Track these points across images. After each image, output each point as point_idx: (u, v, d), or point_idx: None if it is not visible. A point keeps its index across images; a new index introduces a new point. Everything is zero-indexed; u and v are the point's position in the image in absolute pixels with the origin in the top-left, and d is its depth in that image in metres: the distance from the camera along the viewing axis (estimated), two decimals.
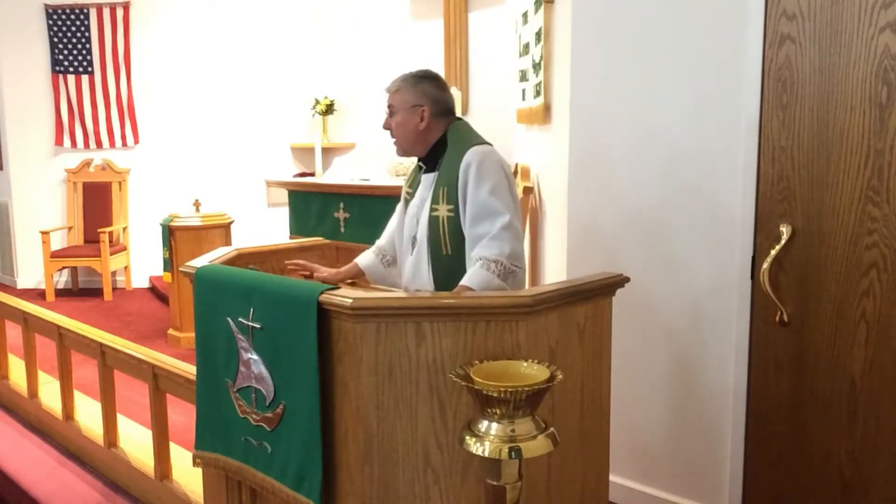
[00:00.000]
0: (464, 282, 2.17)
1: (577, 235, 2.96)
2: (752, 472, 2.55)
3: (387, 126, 2.41)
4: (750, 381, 2.52)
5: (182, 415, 3.10)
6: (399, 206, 2.60)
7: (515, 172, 3.94)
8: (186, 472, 2.80)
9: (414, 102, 2.33)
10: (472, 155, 2.25)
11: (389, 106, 2.38)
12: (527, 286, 2.41)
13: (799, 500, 2.42)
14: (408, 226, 2.47)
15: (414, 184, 2.49)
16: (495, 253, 2.17)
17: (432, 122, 2.35)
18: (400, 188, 2.60)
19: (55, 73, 7.12)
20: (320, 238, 3.03)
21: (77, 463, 3.40)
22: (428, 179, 2.39)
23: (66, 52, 7.10)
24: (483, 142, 2.34)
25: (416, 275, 2.39)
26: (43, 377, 3.95)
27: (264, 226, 7.07)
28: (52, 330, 3.52)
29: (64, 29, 7.08)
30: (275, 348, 1.88)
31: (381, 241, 2.69)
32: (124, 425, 3.33)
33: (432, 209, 2.32)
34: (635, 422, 2.83)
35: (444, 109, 2.37)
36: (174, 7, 7.13)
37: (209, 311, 2.08)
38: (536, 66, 3.59)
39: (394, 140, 2.42)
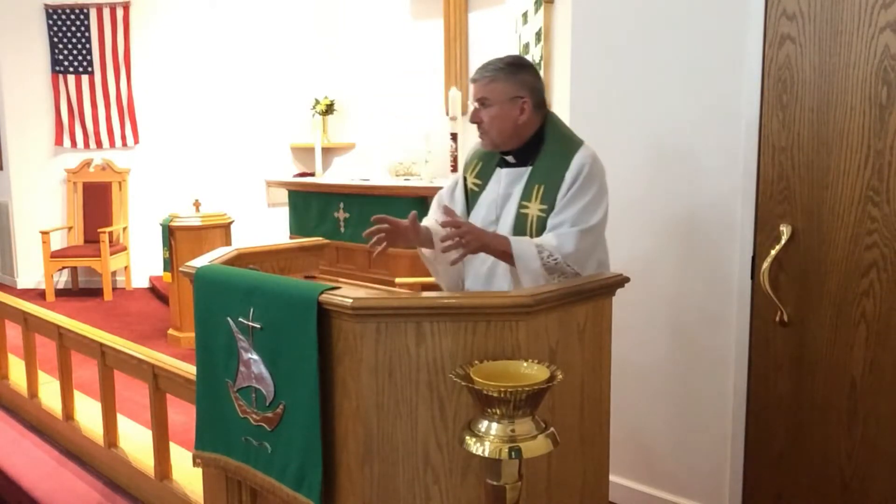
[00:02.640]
0: (511, 240, 2.05)
1: None
2: (752, 472, 2.55)
3: (477, 119, 2.17)
4: (750, 381, 2.52)
5: (182, 415, 3.10)
6: (448, 194, 2.40)
7: None
8: (186, 472, 2.80)
9: (514, 94, 2.12)
10: (583, 157, 2.09)
11: (481, 98, 2.14)
12: None
13: (799, 500, 2.42)
14: (482, 222, 2.23)
15: (483, 174, 2.29)
16: (554, 245, 2.02)
17: (532, 114, 2.15)
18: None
19: (55, 73, 7.12)
20: (320, 238, 3.02)
21: (77, 463, 3.40)
22: (515, 174, 2.19)
23: (66, 52, 7.10)
24: (583, 141, 2.19)
25: (491, 275, 2.21)
26: (43, 377, 3.95)
27: (264, 226, 7.07)
28: (52, 330, 3.52)
29: (64, 29, 7.08)
30: (275, 348, 1.88)
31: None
32: (124, 425, 3.33)
33: (521, 206, 2.14)
34: (635, 422, 2.83)
35: (541, 101, 2.18)
36: (174, 7, 7.13)
37: (209, 311, 2.08)
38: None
39: (482, 132, 2.19)
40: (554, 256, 2.01)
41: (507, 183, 2.21)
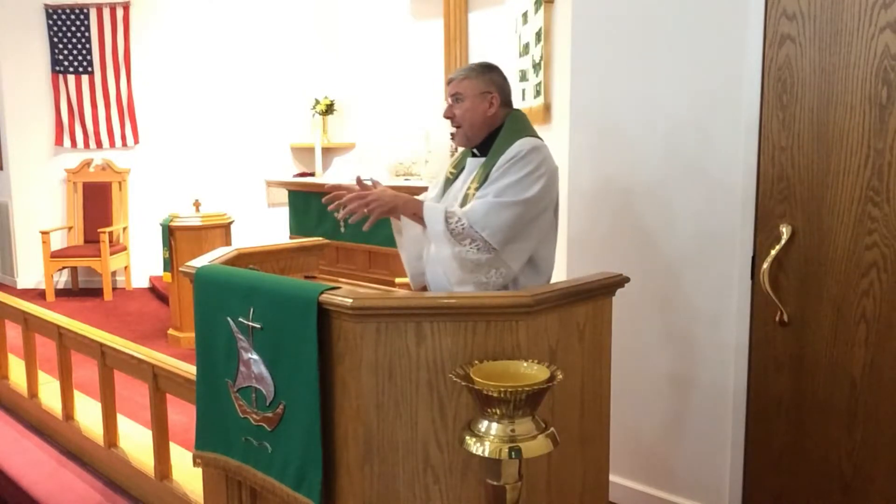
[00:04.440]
0: (425, 204, 2.23)
1: (577, 235, 2.96)
2: (752, 472, 2.55)
3: (450, 114, 2.39)
4: (750, 381, 2.52)
5: (182, 415, 3.11)
6: (438, 183, 2.57)
7: None
8: (186, 472, 2.80)
9: (484, 89, 2.34)
10: (522, 143, 2.24)
11: (455, 94, 2.36)
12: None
13: (799, 500, 2.42)
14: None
15: (459, 165, 2.48)
16: (464, 211, 2.17)
17: (499, 110, 2.36)
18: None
19: (55, 73, 7.12)
20: (320, 238, 3.02)
21: (77, 463, 3.40)
22: (475, 163, 2.39)
23: (66, 52, 7.10)
24: (536, 135, 2.34)
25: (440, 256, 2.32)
26: (43, 377, 3.95)
27: (264, 226, 7.07)
28: (52, 330, 3.52)
29: (64, 29, 7.09)
30: (275, 348, 1.88)
31: None
32: (124, 425, 3.33)
33: (468, 188, 2.31)
34: (635, 422, 2.83)
35: (507, 99, 2.40)
36: (174, 7, 7.13)
37: (209, 311, 2.08)
38: (536, 66, 3.59)
39: (455, 128, 2.40)
40: (462, 222, 2.15)
41: (468, 171, 2.41)
